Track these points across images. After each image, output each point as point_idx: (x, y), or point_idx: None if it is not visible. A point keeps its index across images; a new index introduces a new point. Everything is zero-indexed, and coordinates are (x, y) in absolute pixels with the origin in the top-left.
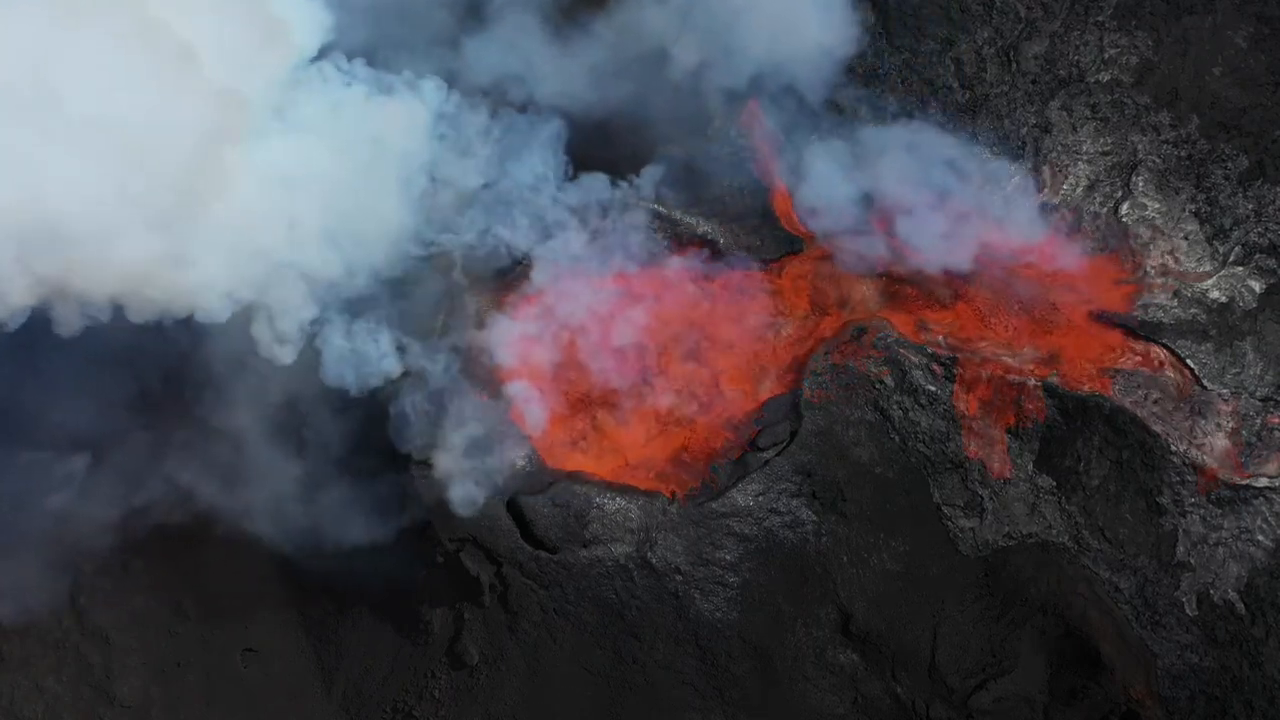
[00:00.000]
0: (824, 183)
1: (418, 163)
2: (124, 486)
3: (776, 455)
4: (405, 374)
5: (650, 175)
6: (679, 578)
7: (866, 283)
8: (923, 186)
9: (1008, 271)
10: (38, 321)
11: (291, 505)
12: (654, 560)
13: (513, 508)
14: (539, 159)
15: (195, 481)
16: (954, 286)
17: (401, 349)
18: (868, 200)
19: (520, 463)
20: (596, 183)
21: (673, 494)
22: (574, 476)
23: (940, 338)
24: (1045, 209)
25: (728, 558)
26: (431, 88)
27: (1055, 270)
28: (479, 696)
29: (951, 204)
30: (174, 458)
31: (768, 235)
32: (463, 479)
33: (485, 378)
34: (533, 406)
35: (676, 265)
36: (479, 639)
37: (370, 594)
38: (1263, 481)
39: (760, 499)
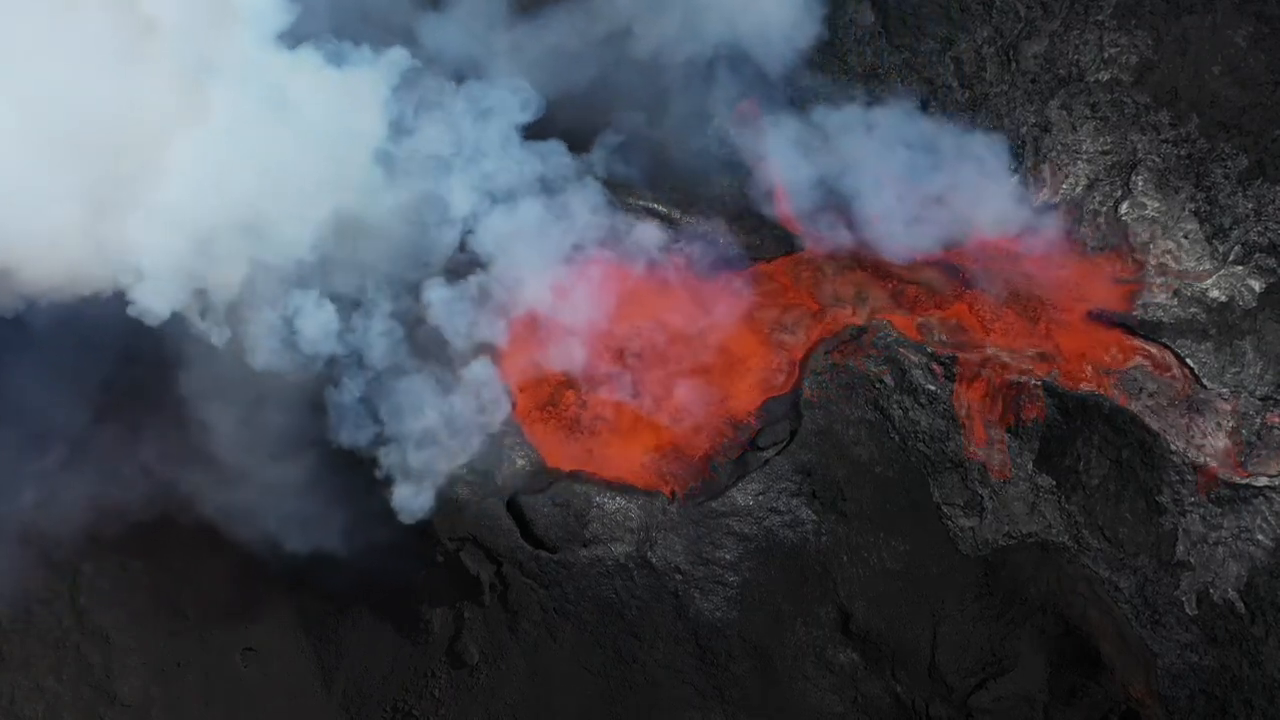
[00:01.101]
0: (786, 164)
1: (372, 131)
2: (102, 480)
3: (776, 454)
4: (346, 356)
5: (604, 145)
6: (679, 577)
7: (867, 281)
8: (886, 169)
9: (1007, 270)
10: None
11: (290, 503)
12: (654, 559)
13: (513, 507)
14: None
15: (197, 479)
16: (954, 286)
17: (344, 327)
18: (829, 183)
19: (471, 460)
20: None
21: (672, 493)
22: (574, 476)
23: (940, 337)
24: (1022, 191)
25: (727, 557)
26: (391, 59)
27: (1054, 268)
28: (479, 695)
29: (916, 187)
30: (163, 452)
31: (767, 234)
32: (411, 479)
33: (440, 362)
34: (499, 391)
35: (672, 262)
36: (479, 638)
37: (370, 594)
38: (1262, 480)
39: (760, 498)
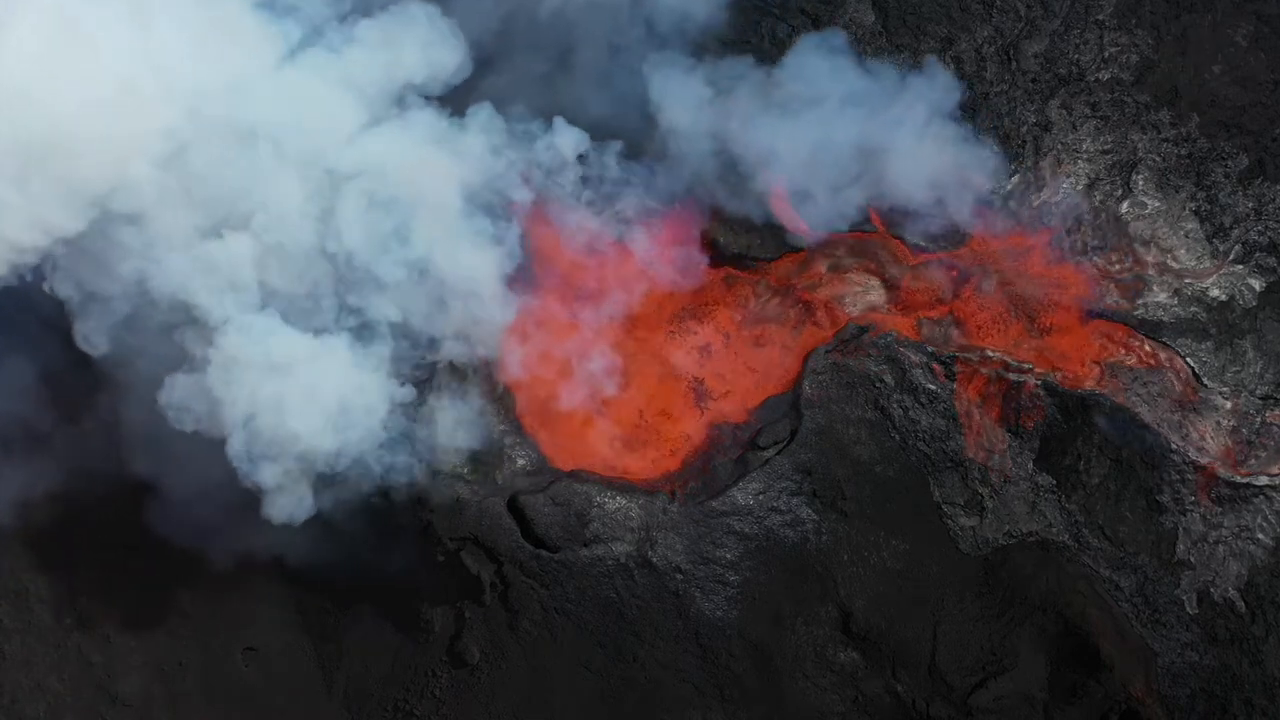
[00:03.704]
0: (680, 116)
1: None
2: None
3: (777, 454)
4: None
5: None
6: (679, 576)
7: (866, 280)
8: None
9: (1007, 269)
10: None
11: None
12: (654, 559)
13: (513, 507)
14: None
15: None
16: (954, 286)
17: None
18: (725, 142)
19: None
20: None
21: (673, 492)
22: (574, 475)
23: (940, 337)
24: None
25: (728, 556)
26: None
27: (1054, 267)
28: (480, 695)
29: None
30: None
31: (766, 234)
32: (283, 476)
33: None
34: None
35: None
36: (480, 638)
37: (370, 593)
38: (1263, 479)
39: (761, 497)
